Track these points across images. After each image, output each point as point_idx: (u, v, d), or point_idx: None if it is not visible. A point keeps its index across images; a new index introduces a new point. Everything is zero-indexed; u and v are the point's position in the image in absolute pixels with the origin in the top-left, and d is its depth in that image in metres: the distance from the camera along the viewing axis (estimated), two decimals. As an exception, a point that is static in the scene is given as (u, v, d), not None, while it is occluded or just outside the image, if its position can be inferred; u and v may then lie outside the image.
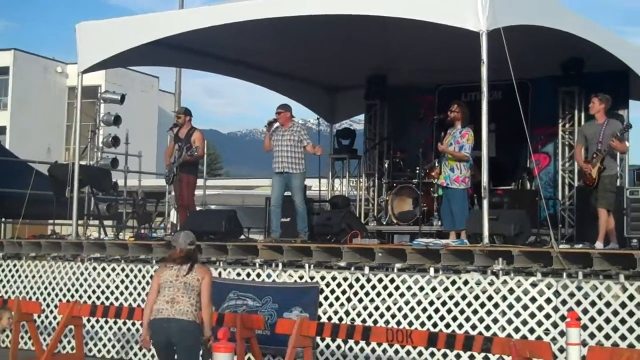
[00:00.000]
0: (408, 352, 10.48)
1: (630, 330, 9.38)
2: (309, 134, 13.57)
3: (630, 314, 9.42)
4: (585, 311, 9.60)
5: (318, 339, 10.82)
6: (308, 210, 15.10)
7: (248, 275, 11.91)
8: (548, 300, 9.87)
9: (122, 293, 12.83)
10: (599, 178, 11.40)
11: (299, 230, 13.25)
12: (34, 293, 13.73)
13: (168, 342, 8.16)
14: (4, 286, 14.06)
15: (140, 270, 12.79)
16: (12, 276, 14.05)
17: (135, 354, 12.51)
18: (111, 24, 14.35)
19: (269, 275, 11.77)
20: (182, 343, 8.11)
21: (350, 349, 10.93)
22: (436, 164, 13.23)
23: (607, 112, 11.72)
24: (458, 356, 10.18)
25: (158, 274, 8.51)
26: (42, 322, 13.37)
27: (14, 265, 14.09)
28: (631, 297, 9.46)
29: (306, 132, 13.46)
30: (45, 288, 13.67)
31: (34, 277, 13.85)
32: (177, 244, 8.54)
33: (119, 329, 12.68)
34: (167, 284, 8.27)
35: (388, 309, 10.85)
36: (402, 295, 10.80)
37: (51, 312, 13.41)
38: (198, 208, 16.36)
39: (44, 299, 13.55)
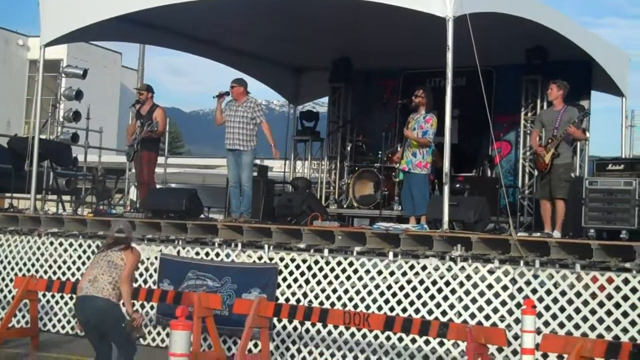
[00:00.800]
0: (364, 336, 10.52)
1: (584, 319, 9.47)
2: (264, 112, 13.40)
3: (585, 303, 9.51)
4: (540, 299, 9.68)
5: (275, 320, 10.83)
6: (269, 192, 15.12)
7: (207, 254, 11.87)
8: (505, 288, 9.94)
9: (79, 269, 12.72)
10: (552, 165, 11.47)
11: (243, 210, 13.08)
12: (-10, 267, 13.57)
13: (88, 322, 8.03)
14: (-42, 259, 13.88)
15: (98, 247, 12.66)
16: (-32, 249, 13.88)
17: (91, 331, 12.42)
18: (75, -3, 14.16)
19: (227, 255, 11.74)
20: (102, 323, 7.98)
21: (307, 330, 10.94)
22: (398, 149, 13.25)
23: (565, 99, 11.78)
24: (414, 341, 10.23)
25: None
26: (-3, 295, 13.24)
27: (-30, 238, 13.92)
28: (586, 287, 9.55)
29: (260, 110, 13.26)
30: (1, 262, 13.52)
31: (-10, 250, 13.69)
32: (110, 232, 8.64)
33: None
34: (93, 264, 8.27)
35: (346, 292, 10.87)
36: (360, 278, 10.83)
37: (6, 286, 13.28)
38: (159, 186, 16.26)
39: (-1, 273, 13.42)
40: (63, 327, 12.56)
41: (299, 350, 10.99)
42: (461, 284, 10.18)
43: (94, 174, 18.62)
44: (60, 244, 13.09)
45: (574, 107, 11.86)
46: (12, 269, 13.40)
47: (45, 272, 13.09)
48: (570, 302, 9.58)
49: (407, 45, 15.03)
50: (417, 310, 10.35)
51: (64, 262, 12.90)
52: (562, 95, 11.73)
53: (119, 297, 8.12)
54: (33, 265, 13.24)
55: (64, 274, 12.88)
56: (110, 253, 8.23)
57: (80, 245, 12.87)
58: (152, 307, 12.08)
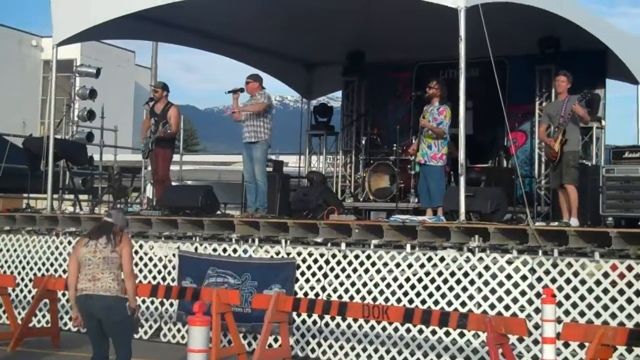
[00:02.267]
0: (384, 328, 10.51)
1: (605, 307, 9.45)
2: (270, 100, 13.24)
3: (605, 291, 9.49)
4: (560, 288, 9.66)
5: (294, 314, 10.84)
6: (284, 187, 15.11)
7: (224, 250, 11.89)
8: (524, 278, 9.92)
9: (97, 267, 12.74)
10: (562, 153, 11.39)
11: (259, 205, 13.01)
12: (9, 267, 13.65)
13: (93, 318, 7.97)
14: (-22, 260, 13.96)
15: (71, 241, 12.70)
16: (-14, 250, 13.95)
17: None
18: (87, -4, 14.19)
19: (245, 251, 11.75)
20: (109, 319, 7.89)
21: (327, 324, 10.95)
22: (413, 141, 13.22)
23: (569, 90, 11.67)
24: (434, 332, 10.22)
25: (76, 249, 8.25)
26: (17, 296, 13.31)
27: (-12, 239, 13.99)
28: (606, 275, 9.52)
29: (265, 96, 13.10)
30: (20, 262, 13.60)
31: (8, 250, 13.77)
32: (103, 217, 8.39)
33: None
34: (85, 262, 7.99)
35: (364, 285, 10.87)
36: (378, 271, 10.82)
37: (26, 286, 13.35)
38: (174, 183, 16.30)
39: (19, 273, 13.49)
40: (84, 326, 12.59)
41: (319, 344, 11.00)
42: (480, 275, 10.16)
43: (110, 172, 18.70)
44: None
45: (575, 95, 11.74)
46: (31, 269, 13.46)
47: (64, 271, 13.13)
48: (590, 290, 9.55)
49: (421, 37, 14.98)
50: (436, 302, 10.34)
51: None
52: (568, 87, 11.65)
53: (124, 290, 8.04)
54: (52, 264, 13.31)
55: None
56: (101, 249, 8.03)
57: (98, 244, 12.88)
58: (171, 305, 12.12)
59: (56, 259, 13.29)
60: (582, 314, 9.54)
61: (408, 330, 10.38)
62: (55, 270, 13.15)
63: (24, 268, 13.55)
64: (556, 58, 14.94)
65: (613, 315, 9.38)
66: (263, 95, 13.13)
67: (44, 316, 12.76)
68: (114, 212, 8.49)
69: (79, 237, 12.94)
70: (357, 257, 10.99)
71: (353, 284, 10.94)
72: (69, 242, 13.22)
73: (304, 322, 11.07)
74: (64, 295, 12.72)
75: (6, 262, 13.72)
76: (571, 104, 11.37)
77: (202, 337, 6.69)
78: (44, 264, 13.38)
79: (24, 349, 11.35)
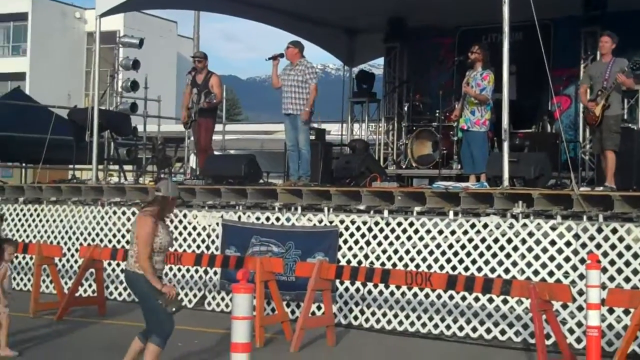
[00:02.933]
0: (427, 295, 10.50)
1: (651, 273, 9.34)
2: (317, 74, 13.16)
3: (651, 256, 9.37)
4: (605, 254, 9.55)
5: (337, 282, 10.86)
6: (327, 155, 15.09)
7: (267, 219, 11.92)
8: (568, 243, 9.83)
9: (142, 237, 12.86)
10: (603, 117, 11.19)
11: (301, 173, 12.93)
12: (55, 237, 13.83)
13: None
14: (25, 230, 14.16)
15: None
16: (34, 220, 14.15)
17: (156, 297, 12.59)
18: (128, -33, 14.23)
19: (288, 219, 11.77)
20: (133, 293, 7.99)
21: (369, 292, 10.96)
22: (456, 107, 13.10)
23: (613, 51, 11.43)
24: (477, 299, 10.19)
25: (151, 227, 7.65)
26: (64, 265, 13.49)
27: (35, 210, 14.18)
28: (652, 240, 9.40)
29: (313, 72, 12.97)
30: (67, 232, 13.76)
31: (54, 221, 13.94)
32: (168, 192, 7.87)
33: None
34: (159, 246, 7.71)
35: (407, 252, 10.85)
36: (421, 238, 10.79)
37: (72, 255, 13.52)
38: (217, 152, 16.35)
39: (65, 243, 13.65)
40: (129, 295, 12.71)
41: (361, 312, 11.02)
42: (523, 241, 10.09)
43: (154, 142, 18.80)
44: (124, 213, 13.26)
45: (622, 58, 11.50)
46: (77, 239, 13.62)
47: (110, 241, 13.30)
48: (635, 256, 9.44)
49: (462, 1, 14.80)
50: (479, 269, 10.29)
51: (128, 230, 13.05)
52: (612, 48, 11.40)
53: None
54: (97, 234, 13.46)
55: (128, 242, 13.03)
56: (164, 231, 7.87)
57: (143, 214, 12.99)
58: (215, 273, 12.21)
59: (102, 229, 13.43)
60: (627, 279, 9.44)
61: (451, 297, 10.35)
62: (101, 240, 13.30)
63: (70, 238, 13.71)
64: (602, 20, 14.66)
65: (659, 281, 9.27)
66: (311, 70, 12.92)
67: (90, 285, 12.92)
68: (171, 185, 8.17)
69: (125, 207, 13.06)
70: (399, 224, 10.97)
71: (396, 252, 10.92)
72: (114, 212, 13.35)
73: (346, 289, 11.10)
74: (109, 265, 12.90)
75: (52, 232, 13.89)
76: (616, 68, 11.14)
77: (245, 305, 6.67)
78: (89, 234, 13.53)
79: (70, 317, 11.51)
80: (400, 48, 17.66)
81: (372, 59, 20.55)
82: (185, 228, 12.61)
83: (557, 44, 15.29)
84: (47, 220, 14.02)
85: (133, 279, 7.75)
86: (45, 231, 13.96)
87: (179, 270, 12.48)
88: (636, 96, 13.98)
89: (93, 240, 13.37)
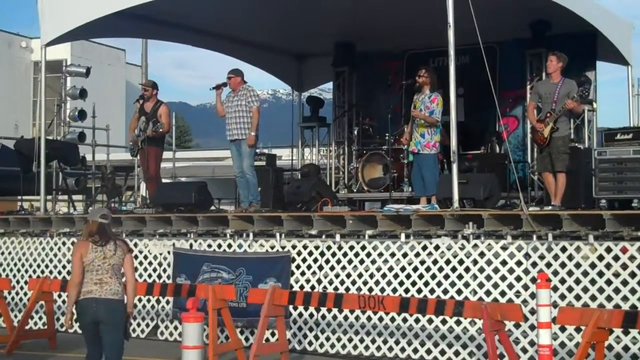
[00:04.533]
0: (380, 319, 10.50)
1: (600, 290, 9.43)
2: (258, 98, 13.23)
3: (600, 274, 9.47)
4: (555, 272, 9.65)
5: (291, 308, 10.82)
6: (278, 180, 15.08)
7: (219, 246, 11.86)
8: (519, 263, 9.90)
9: (92, 267, 12.71)
10: (551, 139, 11.36)
11: (251, 199, 12.93)
12: (4, 270, 13.63)
13: (94, 321, 8.02)
14: (-28, 264, 13.92)
15: (71, 242, 12.68)
16: (-19, 253, 13.91)
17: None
18: (74, -5, 14.12)
19: (240, 246, 11.73)
20: (110, 321, 7.98)
21: (323, 317, 10.94)
22: (405, 130, 13.18)
23: (563, 72, 11.63)
24: (430, 321, 10.21)
25: (80, 252, 8.12)
26: (13, 298, 13.30)
27: (-17, 243, 13.95)
28: (600, 258, 9.50)
29: (255, 95, 13.07)
30: (15, 264, 13.57)
31: (2, 253, 13.75)
32: (90, 217, 8.42)
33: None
34: (93, 267, 8.05)
35: (359, 276, 10.86)
36: (373, 262, 10.81)
37: (21, 288, 13.32)
38: (168, 180, 16.25)
39: (14, 276, 13.46)
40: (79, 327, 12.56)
41: (316, 337, 10.99)
42: (475, 262, 10.15)
43: (103, 172, 18.62)
44: (73, 244, 13.09)
45: (570, 79, 11.71)
46: (26, 271, 13.44)
47: (60, 272, 13.13)
48: (585, 274, 9.54)
49: (410, 25, 14.93)
50: (432, 291, 10.33)
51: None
52: (561, 68, 11.57)
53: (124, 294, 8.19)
54: (47, 266, 13.28)
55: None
56: (110, 255, 8.11)
57: (93, 244, 12.85)
58: (167, 302, 12.10)
59: (51, 261, 13.26)
60: (577, 297, 9.53)
61: (405, 320, 10.37)
62: (51, 272, 13.12)
63: (19, 270, 13.52)
64: (546, 41, 14.89)
65: (609, 298, 9.37)
66: (252, 94, 13.02)
67: (40, 318, 12.73)
68: (107, 212, 8.50)
69: (75, 238, 12.90)
70: (352, 248, 10.98)
71: (348, 276, 10.92)
72: (64, 243, 13.18)
73: (300, 315, 11.06)
74: (59, 296, 12.71)
75: (1, 264, 13.68)
76: (565, 90, 11.29)
77: (195, 334, 6.65)
78: (39, 266, 13.35)
79: (21, 351, 11.32)
80: (349, 72, 17.72)
81: (322, 84, 20.62)
82: (136, 257, 12.48)
83: (503, 66, 15.48)
84: (-5, 253, 13.80)
85: (119, 307, 7.91)
86: (-6, 264, 13.74)
87: (131, 300, 12.33)
88: (582, 116, 14.19)
89: (42, 272, 13.19)
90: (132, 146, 14.27)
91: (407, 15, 14.23)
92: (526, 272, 9.84)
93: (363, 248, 10.90)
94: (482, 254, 10.13)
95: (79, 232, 13.11)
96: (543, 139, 11.39)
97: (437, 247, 10.40)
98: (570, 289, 9.58)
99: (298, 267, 11.24)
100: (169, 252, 12.25)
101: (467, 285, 10.16)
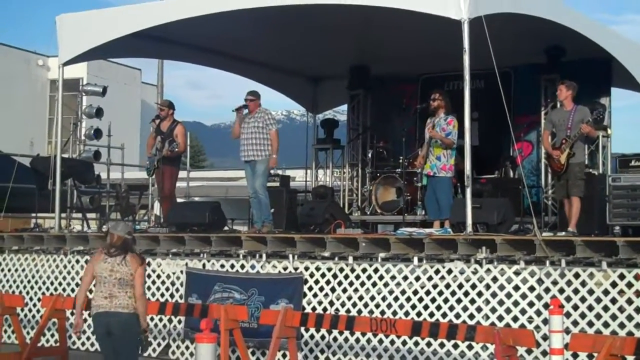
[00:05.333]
0: (392, 342, 10.49)
1: (613, 317, 9.41)
2: (276, 121, 13.41)
3: (613, 301, 9.45)
4: (568, 299, 9.63)
5: (302, 329, 10.82)
6: (291, 201, 15.11)
7: (232, 266, 11.89)
8: (531, 288, 9.88)
9: (105, 286, 12.75)
10: (568, 165, 11.41)
11: (264, 219, 13.03)
12: (17, 287, 13.68)
13: (108, 333, 8.23)
14: (-14, 280, 13.98)
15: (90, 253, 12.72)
16: (-5, 270, 13.97)
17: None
18: (91, 16, 14.25)
19: (253, 267, 11.74)
20: (123, 335, 8.15)
21: (335, 339, 10.92)
22: (419, 153, 13.20)
23: (575, 99, 11.70)
24: (442, 345, 10.19)
25: (93, 262, 8.52)
26: (26, 315, 13.33)
27: (-3, 259, 14.01)
28: (614, 284, 9.48)
29: (272, 118, 13.27)
30: (29, 281, 13.62)
31: (16, 270, 13.80)
32: (116, 231, 8.54)
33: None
34: (102, 279, 8.29)
35: (372, 298, 10.85)
36: (385, 284, 10.81)
37: (34, 305, 13.36)
38: (182, 200, 16.31)
39: (27, 293, 13.50)
40: (92, 345, 12.61)
41: (327, 359, 10.97)
42: (487, 287, 10.14)
43: (118, 190, 18.73)
44: (86, 262, 13.13)
45: (583, 106, 11.76)
46: (40, 288, 13.48)
47: (73, 290, 13.15)
48: (598, 300, 9.52)
49: (425, 49, 14.99)
50: (444, 315, 10.32)
51: (91, 279, 12.92)
52: (572, 95, 11.66)
53: (136, 308, 8.28)
54: (60, 283, 13.33)
55: (90, 291, 12.85)
56: (117, 267, 8.27)
57: (106, 262, 12.89)
58: (179, 322, 12.11)
59: (64, 278, 13.30)
60: (590, 324, 9.51)
61: (416, 344, 10.35)
62: (64, 290, 13.16)
63: (32, 287, 13.57)
64: (561, 67, 14.90)
65: (622, 325, 9.34)
66: (269, 117, 13.17)
67: (52, 335, 12.76)
68: (124, 226, 8.61)
69: (89, 256, 12.94)
70: (364, 270, 10.98)
71: (361, 298, 10.93)
72: (77, 261, 13.24)
73: (312, 337, 11.06)
74: (72, 314, 12.73)
75: (14, 281, 13.74)
76: (580, 117, 11.36)
77: (209, 354, 6.68)
78: (52, 283, 13.40)
79: (33, 368, 11.33)
80: (363, 95, 17.76)
81: (336, 106, 20.69)
82: (149, 276, 12.51)
83: (517, 91, 15.49)
84: (9, 270, 13.86)
85: (131, 321, 8.17)
86: (7, 281, 13.80)
87: (143, 319, 12.36)
88: (596, 142, 14.19)
89: (56, 289, 13.23)
90: (148, 166, 14.33)
91: (422, 39, 14.28)
92: (539, 297, 9.82)
93: (376, 271, 10.91)
94: (494, 279, 10.12)
95: (93, 250, 13.15)
96: (560, 165, 11.45)
97: (449, 271, 10.40)
98: (583, 316, 9.56)
99: (310, 288, 11.24)
100: (181, 272, 12.28)
101: (479, 310, 10.14)
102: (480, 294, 10.16)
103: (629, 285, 9.37)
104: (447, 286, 10.38)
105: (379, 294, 10.83)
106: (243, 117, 13.31)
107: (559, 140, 11.55)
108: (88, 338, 12.66)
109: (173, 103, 14.61)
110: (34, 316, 13.30)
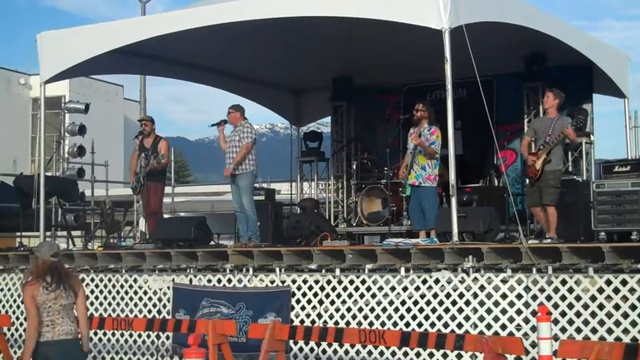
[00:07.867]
0: (381, 353, 10.47)
1: (601, 323, 9.42)
2: (252, 134, 13.28)
3: (601, 306, 9.46)
4: (555, 305, 9.64)
5: (291, 342, 10.79)
6: (277, 215, 15.10)
7: (219, 281, 11.85)
8: (519, 296, 9.89)
9: (92, 303, 12.69)
10: (543, 171, 11.41)
11: (250, 235, 13.04)
12: (3, 306, 13.58)
13: None
14: (-28, 301, 13.88)
15: (110, 280, 12.69)
16: (-20, 290, 13.88)
17: (108, 365, 12.41)
18: (72, 33, 14.20)
19: (240, 281, 11.72)
20: None
21: (324, 351, 10.90)
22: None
23: (559, 108, 11.74)
24: (431, 355, 10.17)
25: (31, 293, 7.89)
26: (12, 335, 13.22)
27: (-18, 279, 13.92)
28: (601, 290, 9.50)
29: (249, 131, 13.18)
30: (15, 301, 13.52)
31: (2, 290, 13.70)
32: (40, 254, 8.10)
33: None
34: (44, 309, 7.88)
35: (360, 310, 10.83)
36: (373, 296, 10.79)
37: (21, 324, 13.26)
38: (167, 215, 16.27)
39: (14, 312, 13.40)
40: None
41: (316, 372, 10.94)
42: (475, 295, 10.13)
43: (102, 207, 18.67)
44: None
45: (567, 116, 11.81)
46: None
47: (59, 308, 13.06)
48: (585, 306, 9.53)
49: (407, 59, 15.04)
50: (432, 324, 10.31)
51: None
52: (558, 105, 11.70)
53: (79, 331, 8.08)
54: (46, 302, 13.22)
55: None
56: (62, 295, 7.90)
57: (92, 280, 12.86)
58: (167, 338, 12.06)
59: (50, 297, 13.21)
60: (578, 330, 9.52)
61: (405, 354, 10.33)
62: (50, 308, 13.06)
63: (18, 307, 13.47)
64: (543, 75, 14.99)
65: (609, 331, 9.36)
66: (246, 130, 13.15)
67: (40, 355, 12.65)
68: (57, 249, 8.27)
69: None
70: (351, 282, 10.97)
71: (349, 310, 10.90)
72: (63, 279, 13.14)
73: (301, 349, 11.03)
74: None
75: (0, 301, 13.64)
76: (561, 124, 11.40)
77: (197, 370, 6.66)
78: (38, 302, 13.29)
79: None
80: (346, 107, 17.80)
81: (320, 118, 20.71)
82: (135, 293, 12.47)
83: (500, 100, 15.57)
84: (-5, 290, 13.78)
85: (74, 345, 7.87)
86: (-7, 301, 13.71)
87: (131, 335, 12.30)
88: (579, 148, 14.26)
89: (42, 308, 13.13)
90: (134, 184, 14.25)
91: (404, 50, 14.34)
92: (526, 305, 9.83)
93: (363, 282, 10.89)
94: (482, 287, 10.12)
95: (78, 267, 13.10)
96: (535, 171, 11.45)
97: (437, 281, 10.40)
98: (570, 322, 9.57)
99: (298, 301, 11.22)
100: (168, 288, 12.24)
101: (467, 318, 10.14)
102: (468, 303, 10.16)
103: (616, 290, 9.39)
104: (435, 296, 10.38)
105: (366, 305, 10.81)
106: (231, 131, 13.30)
107: (538, 147, 11.57)
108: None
109: (153, 118, 14.60)
110: (20, 335, 13.20)
